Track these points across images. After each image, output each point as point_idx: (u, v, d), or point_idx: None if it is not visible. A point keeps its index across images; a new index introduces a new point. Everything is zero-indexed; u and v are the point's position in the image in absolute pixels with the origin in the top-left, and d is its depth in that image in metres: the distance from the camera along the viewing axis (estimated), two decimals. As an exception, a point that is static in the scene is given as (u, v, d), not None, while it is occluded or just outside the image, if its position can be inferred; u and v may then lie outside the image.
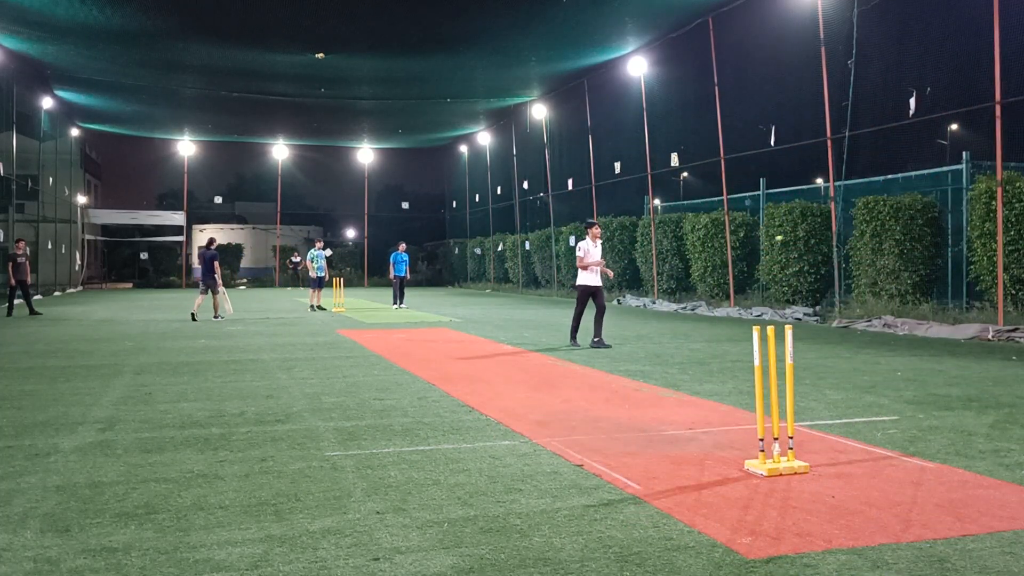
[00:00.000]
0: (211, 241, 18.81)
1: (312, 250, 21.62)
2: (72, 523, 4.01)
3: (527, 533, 3.84)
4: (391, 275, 22.36)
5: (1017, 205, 13.11)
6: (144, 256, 41.17)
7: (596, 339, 11.91)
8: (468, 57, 24.41)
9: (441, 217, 45.84)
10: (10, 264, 18.80)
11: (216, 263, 17.72)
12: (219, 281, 17.82)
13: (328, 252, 22.17)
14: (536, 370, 9.62)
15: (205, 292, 17.77)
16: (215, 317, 17.68)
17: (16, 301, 19.31)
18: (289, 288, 38.18)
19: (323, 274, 21.33)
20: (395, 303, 22.12)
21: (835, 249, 16.90)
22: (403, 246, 23.03)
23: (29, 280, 19.21)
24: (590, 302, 12.13)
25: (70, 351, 11.64)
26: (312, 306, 21.14)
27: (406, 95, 30.21)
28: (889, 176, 16.84)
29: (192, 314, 17.51)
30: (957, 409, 6.99)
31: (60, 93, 29.74)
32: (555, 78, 26.98)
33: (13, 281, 18.70)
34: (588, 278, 12.04)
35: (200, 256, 18.17)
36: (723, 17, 19.43)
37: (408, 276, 22.54)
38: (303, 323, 16.96)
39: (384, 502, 4.34)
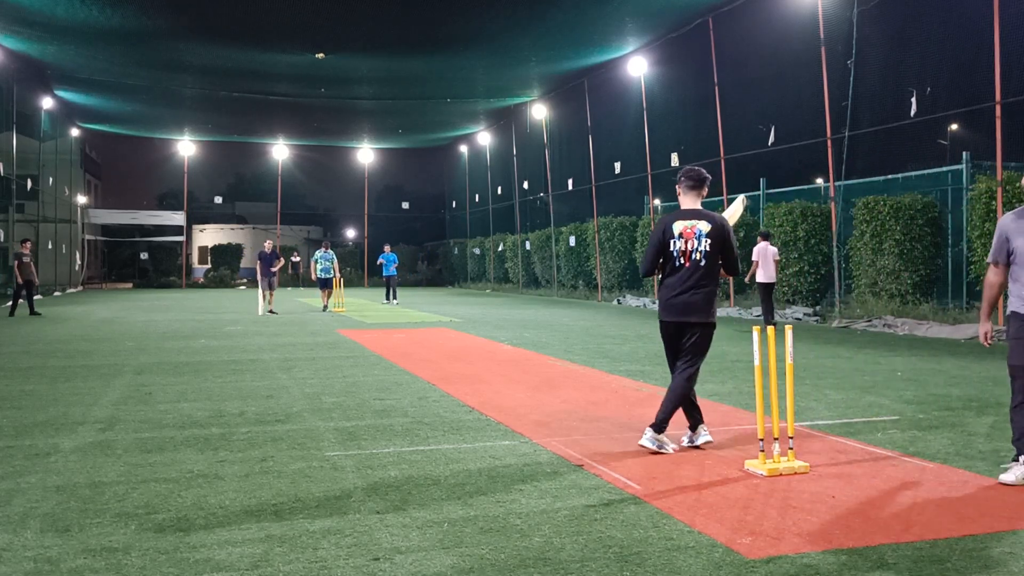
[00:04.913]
0: (269, 244, 20.99)
1: (317, 251, 21.90)
2: (72, 523, 4.01)
3: (527, 533, 3.84)
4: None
5: (1017, 205, 13.10)
6: (144, 256, 41.16)
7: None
8: (468, 57, 24.40)
9: (441, 217, 45.81)
10: (16, 264, 18.84)
11: (277, 262, 20.09)
12: (275, 280, 20.06)
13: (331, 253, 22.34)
14: (536, 370, 9.62)
15: (270, 289, 19.81)
16: (271, 312, 19.49)
17: (18, 300, 19.33)
18: (290, 288, 38.15)
19: (328, 276, 21.39)
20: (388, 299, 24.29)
21: (835, 249, 16.90)
22: (387, 247, 25.27)
23: (36, 281, 19.33)
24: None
25: (70, 351, 11.63)
26: (325, 306, 21.37)
27: (406, 95, 30.20)
28: (889, 176, 16.84)
29: (270, 311, 19.60)
30: (957, 409, 6.99)
31: (60, 93, 29.73)
32: (555, 78, 26.97)
33: (21, 280, 18.77)
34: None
35: (260, 257, 20.15)
36: (723, 17, 19.43)
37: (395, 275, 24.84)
38: (303, 323, 16.97)
39: (384, 502, 4.34)
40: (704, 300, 5.47)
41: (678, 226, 5.51)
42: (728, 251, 5.51)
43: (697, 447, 5.57)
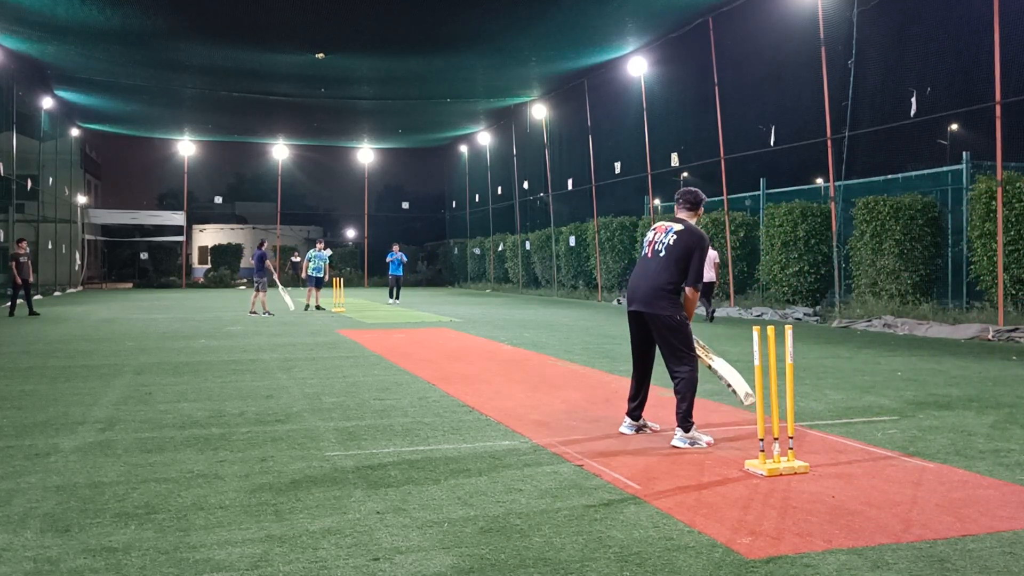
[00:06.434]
0: (262, 242, 20.49)
1: (311, 250, 21.74)
2: (72, 523, 4.01)
3: (527, 533, 3.84)
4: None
5: (1017, 205, 13.11)
6: (144, 256, 41.15)
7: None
8: (468, 57, 24.40)
9: (441, 217, 45.81)
10: (13, 264, 18.81)
11: (266, 261, 19.35)
12: (269, 280, 19.17)
13: (328, 252, 22.21)
14: (536, 370, 9.62)
15: (258, 290, 19.08)
16: (251, 312, 18.98)
17: (17, 301, 19.33)
18: (290, 288, 38.12)
19: (320, 275, 21.25)
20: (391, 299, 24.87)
21: (835, 249, 16.90)
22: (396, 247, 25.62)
23: (31, 279, 19.28)
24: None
25: (70, 351, 11.63)
26: (307, 305, 21.12)
27: (406, 95, 30.20)
28: (889, 176, 16.85)
29: (252, 312, 18.97)
30: (957, 409, 6.99)
31: (60, 93, 29.72)
32: (555, 78, 26.97)
33: (19, 280, 18.72)
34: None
35: (263, 257, 19.67)
36: (723, 17, 19.43)
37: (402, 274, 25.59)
38: (303, 323, 16.97)
39: (384, 502, 4.34)
40: (652, 290, 5.68)
41: (657, 224, 6.00)
42: (692, 259, 5.65)
43: (637, 433, 6.02)
